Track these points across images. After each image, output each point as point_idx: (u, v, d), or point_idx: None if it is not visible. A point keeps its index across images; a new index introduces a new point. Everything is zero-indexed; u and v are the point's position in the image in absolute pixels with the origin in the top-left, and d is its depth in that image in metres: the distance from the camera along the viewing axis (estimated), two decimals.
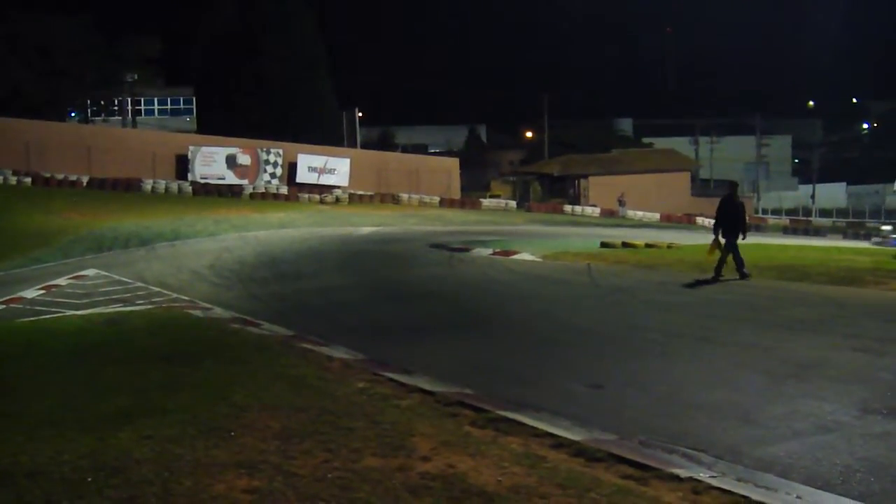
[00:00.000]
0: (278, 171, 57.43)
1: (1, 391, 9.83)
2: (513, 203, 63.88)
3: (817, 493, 6.42)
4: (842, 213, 73.43)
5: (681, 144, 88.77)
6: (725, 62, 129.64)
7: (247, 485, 6.41)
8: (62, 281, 22.10)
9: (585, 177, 70.83)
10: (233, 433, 7.73)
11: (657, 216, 60.95)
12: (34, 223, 36.51)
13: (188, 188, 54.09)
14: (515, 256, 25.08)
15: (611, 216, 60.53)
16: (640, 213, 60.92)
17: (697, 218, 61.00)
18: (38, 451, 7.22)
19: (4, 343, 13.79)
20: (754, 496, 6.16)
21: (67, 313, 16.94)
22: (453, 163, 67.91)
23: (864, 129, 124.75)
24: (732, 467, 7.00)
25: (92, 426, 7.99)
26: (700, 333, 13.02)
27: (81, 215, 39.50)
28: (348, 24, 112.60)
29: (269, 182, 57.08)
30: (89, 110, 70.96)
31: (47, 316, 16.72)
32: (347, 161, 59.32)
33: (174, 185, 53.99)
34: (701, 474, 6.66)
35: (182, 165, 55.45)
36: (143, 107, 74.63)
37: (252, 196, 54.70)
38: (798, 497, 6.32)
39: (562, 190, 71.60)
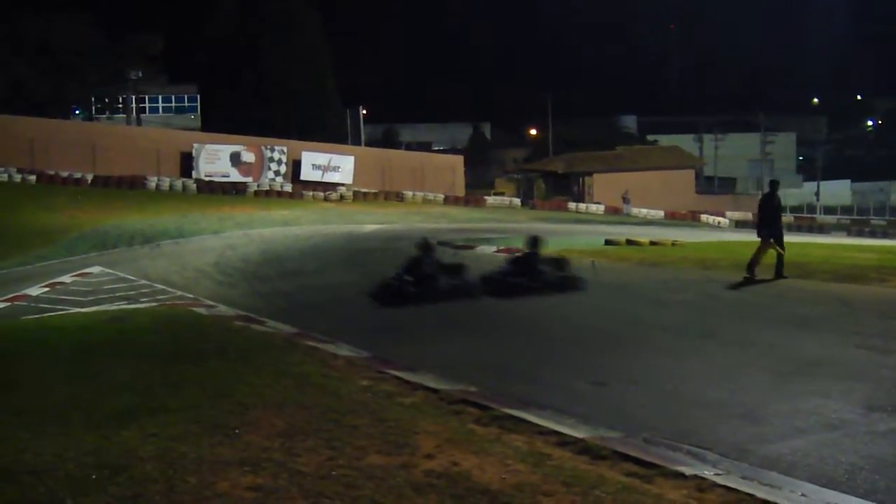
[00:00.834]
0: (282, 168, 57.45)
1: (5, 388, 9.83)
2: (517, 201, 63.84)
3: (822, 491, 6.41)
4: (846, 210, 73.28)
5: (685, 142, 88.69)
6: (729, 59, 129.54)
7: (251, 482, 6.41)
8: (66, 278, 22.12)
9: (590, 174, 70.76)
10: (237, 431, 7.73)
11: (661, 214, 60.88)
12: (39, 221, 36.56)
13: (192, 186, 54.12)
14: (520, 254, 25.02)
15: (615, 214, 60.47)
16: (644, 211, 60.85)
17: (702, 215, 60.95)
18: (43, 449, 7.22)
19: (9, 340, 13.80)
20: (759, 494, 6.15)
21: (72, 311, 16.94)
22: (457, 160, 67.90)
23: (869, 126, 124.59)
24: (737, 465, 7.00)
25: (96, 424, 7.99)
26: (704, 331, 13.00)
27: (86, 213, 39.56)
28: (352, 22, 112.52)
29: (273, 180, 57.10)
30: (93, 108, 70.99)
31: (51, 313, 16.73)
32: (351, 159, 59.34)
33: (178, 183, 54.02)
34: (706, 472, 6.66)
35: (186, 163, 55.49)
36: (147, 104, 74.64)
37: (256, 194, 54.71)
38: (803, 495, 6.31)
39: (566, 187, 71.53)
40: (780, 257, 18.08)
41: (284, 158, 57.46)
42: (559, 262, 18.33)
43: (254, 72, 66.93)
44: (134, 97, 70.58)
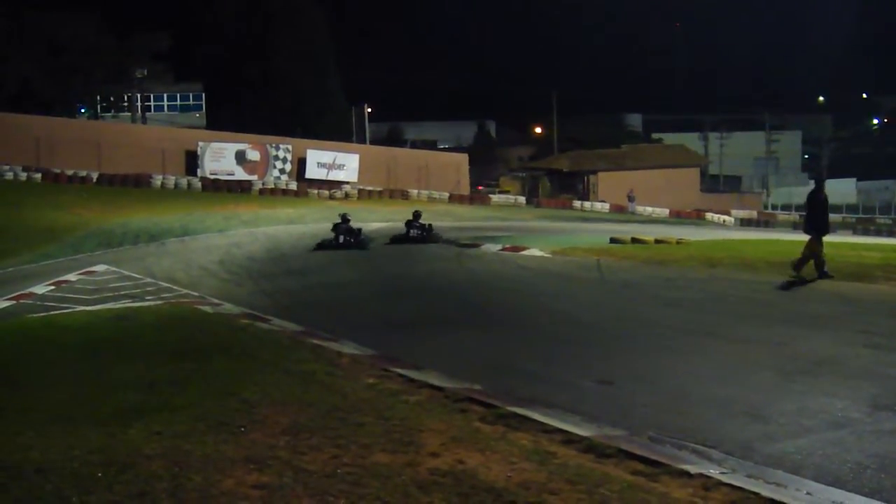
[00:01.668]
0: (287, 166, 57.46)
1: (11, 386, 9.85)
2: (522, 199, 63.80)
3: (828, 490, 6.41)
4: (852, 208, 73.13)
5: (690, 140, 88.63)
6: (735, 58, 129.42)
7: (256, 480, 6.42)
8: (72, 276, 22.15)
9: (595, 173, 70.72)
10: (242, 429, 7.74)
11: (666, 212, 60.82)
12: (44, 219, 36.61)
13: (198, 184, 54.16)
14: (525, 252, 25.04)
15: (620, 212, 60.41)
16: (649, 209, 60.78)
17: (707, 214, 60.88)
18: (49, 447, 7.24)
19: (14, 338, 13.82)
20: (764, 492, 6.15)
21: (77, 309, 16.96)
22: (462, 158, 67.84)
23: (874, 124, 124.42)
24: (742, 464, 7.00)
25: (102, 422, 8.01)
26: (710, 329, 12.99)
27: (91, 211, 39.61)
28: (357, 20, 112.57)
29: (278, 178, 57.11)
30: (99, 106, 71.00)
31: (57, 311, 16.74)
32: (356, 157, 59.32)
33: (184, 181, 54.07)
34: (711, 470, 6.66)
35: (191, 161, 55.53)
36: (152, 102, 74.64)
37: (261, 192, 54.73)
38: (808, 493, 6.31)
39: (571, 186, 71.48)
40: (815, 257, 17.74)
41: (289, 156, 57.47)
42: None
43: (259, 70, 67.00)
44: (139, 95, 70.60)
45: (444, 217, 44.41)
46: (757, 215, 64.72)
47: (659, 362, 10.88)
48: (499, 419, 8.11)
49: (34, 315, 16.39)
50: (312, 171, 57.83)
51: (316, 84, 69.18)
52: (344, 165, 58.65)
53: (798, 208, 72.96)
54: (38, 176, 49.99)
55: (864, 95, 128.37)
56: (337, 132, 64.95)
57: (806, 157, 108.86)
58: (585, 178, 71.15)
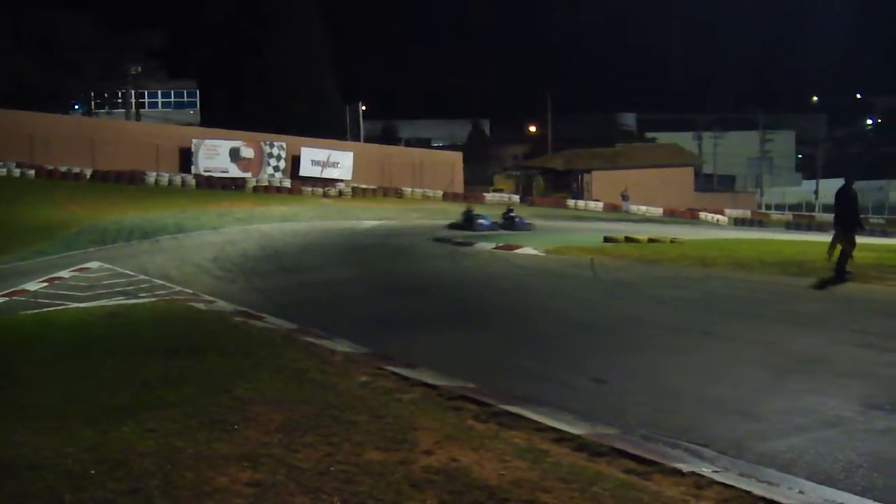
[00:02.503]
0: (281, 164, 57.42)
1: (4, 383, 9.84)
2: (516, 197, 63.81)
3: (820, 488, 6.42)
4: None
5: (684, 139, 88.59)
6: (730, 57, 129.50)
7: (249, 478, 6.42)
8: (65, 273, 22.12)
9: (589, 171, 70.74)
10: (236, 426, 7.74)
11: (660, 211, 60.88)
12: (38, 216, 36.54)
13: (191, 181, 54.11)
14: (518, 251, 25.08)
15: (614, 211, 60.48)
16: (643, 208, 60.84)
17: (701, 213, 60.95)
18: (41, 444, 7.23)
19: (7, 335, 13.81)
20: (757, 491, 6.16)
21: (70, 306, 16.95)
22: (457, 157, 67.82)
23: (869, 124, 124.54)
24: (735, 462, 7.01)
25: (95, 419, 8.00)
26: (703, 328, 13.02)
27: (85, 208, 39.54)
28: (352, 18, 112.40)
29: (272, 175, 57.07)
30: (93, 103, 70.80)
31: (50, 308, 16.72)
32: (350, 154, 59.29)
33: (178, 178, 54.01)
34: (703, 469, 6.67)
35: (185, 158, 55.47)
36: (146, 99, 74.46)
37: (255, 189, 54.69)
38: (800, 492, 6.32)
39: (565, 184, 71.52)
40: (842, 254, 17.53)
41: (283, 154, 57.43)
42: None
43: (253, 67, 66.87)
44: (133, 92, 70.48)
45: (438, 215, 44.45)
46: (751, 215, 64.77)
47: (652, 361, 10.90)
48: (492, 417, 8.12)
49: (27, 312, 16.37)
50: (306, 169, 57.80)
51: (310, 82, 69.06)
52: (338, 163, 58.62)
53: (792, 208, 73.17)
54: (32, 172, 49.89)
55: (859, 95, 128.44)
56: (331, 130, 64.84)
57: (800, 156, 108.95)
58: (579, 176, 71.18)
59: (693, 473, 6.53)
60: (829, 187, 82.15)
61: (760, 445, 7.42)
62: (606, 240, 28.43)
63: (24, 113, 52.92)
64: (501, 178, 79.21)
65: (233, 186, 54.25)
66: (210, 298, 17.65)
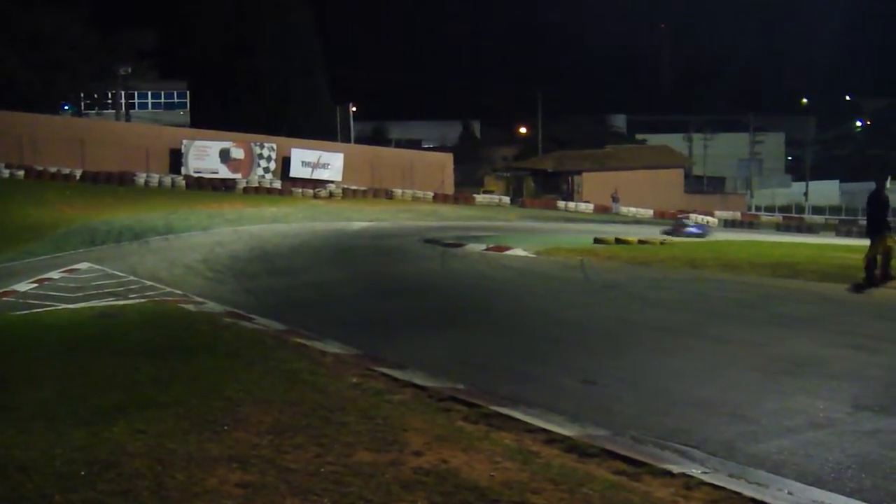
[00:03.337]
0: (272, 165, 57.40)
1: None
2: (506, 199, 63.88)
3: (809, 490, 6.44)
4: (835, 210, 73.47)
5: (674, 141, 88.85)
6: (719, 59, 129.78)
7: (239, 479, 6.41)
8: (55, 274, 22.05)
9: (579, 173, 70.87)
10: (226, 427, 7.73)
11: (650, 212, 61.02)
12: (27, 216, 36.45)
13: (181, 182, 54.05)
14: (509, 252, 25.09)
15: (604, 212, 60.60)
16: (633, 210, 60.98)
17: (691, 214, 61.07)
18: (31, 445, 7.21)
19: None
20: (746, 492, 6.18)
21: (60, 307, 16.89)
22: (447, 158, 67.90)
23: (858, 126, 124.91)
24: (724, 463, 7.02)
25: (85, 420, 7.98)
26: (693, 329, 13.04)
27: (74, 208, 39.45)
28: (343, 19, 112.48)
29: (262, 176, 57.04)
30: (83, 103, 70.65)
31: (40, 309, 16.66)
32: (341, 156, 59.30)
33: (167, 179, 53.95)
34: (693, 470, 6.68)
35: (175, 159, 55.43)
36: (136, 100, 74.30)
37: (245, 190, 54.65)
38: (790, 493, 6.34)
39: (555, 186, 71.62)
40: (885, 256, 17.35)
41: (274, 155, 57.41)
42: None
43: (244, 68, 66.89)
44: (123, 93, 70.33)
45: (428, 216, 44.49)
46: (740, 216, 64.93)
47: (642, 362, 10.91)
48: (482, 418, 8.12)
49: (16, 313, 16.31)
50: (297, 170, 57.80)
51: (301, 83, 69.12)
52: (328, 164, 58.62)
53: (781, 210, 73.36)
54: (21, 173, 49.78)
55: (848, 97, 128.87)
56: (321, 131, 64.90)
57: (789, 158, 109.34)
58: (570, 178, 71.28)
59: (683, 475, 6.54)
60: (819, 189, 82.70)
61: (750, 447, 7.44)
62: (596, 241, 28.48)
63: (14, 113, 52.79)
64: (492, 180, 79.31)
65: (223, 187, 54.21)
66: (200, 300, 17.61)
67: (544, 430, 7.75)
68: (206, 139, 56.82)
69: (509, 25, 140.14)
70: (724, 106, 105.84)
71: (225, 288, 20.07)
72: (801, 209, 75.78)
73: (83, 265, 24.03)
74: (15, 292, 19.24)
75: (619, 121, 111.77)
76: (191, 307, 16.38)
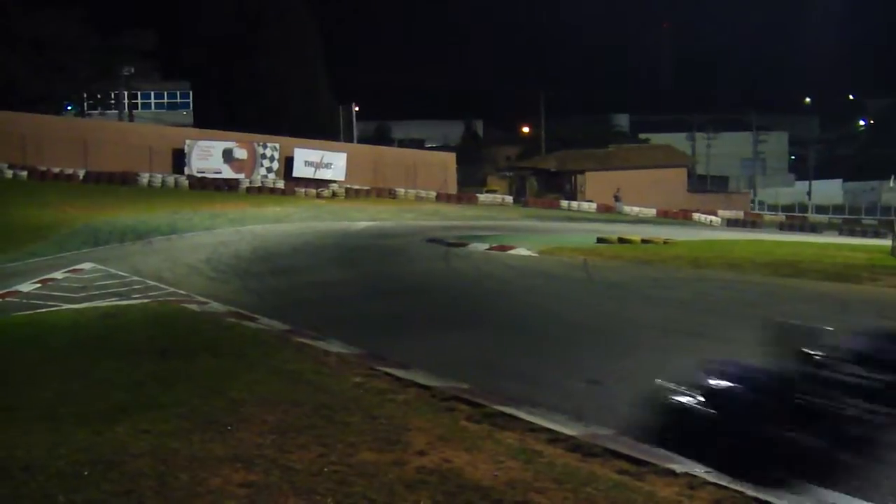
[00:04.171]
0: (275, 165, 57.35)
1: None
2: (509, 198, 63.81)
3: (813, 488, 6.44)
4: (838, 209, 73.40)
5: (677, 140, 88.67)
6: (722, 58, 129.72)
7: (243, 479, 6.42)
8: (58, 275, 22.07)
9: (582, 172, 70.76)
10: (229, 427, 7.74)
11: (653, 212, 60.93)
12: (30, 217, 36.45)
13: (185, 182, 53.99)
14: (512, 252, 25.08)
15: (607, 212, 60.50)
16: (636, 209, 60.86)
17: (694, 214, 61.00)
18: (35, 445, 7.22)
19: (0, 337, 13.78)
20: (749, 491, 6.18)
21: (63, 307, 16.91)
22: (450, 157, 67.80)
23: (861, 125, 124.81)
24: None
25: (88, 420, 7.99)
26: (696, 329, 13.04)
27: (77, 209, 39.45)
28: (345, 19, 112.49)
29: (265, 176, 56.99)
30: (86, 104, 70.63)
31: (43, 310, 16.69)
32: (344, 155, 59.23)
33: (171, 179, 53.90)
34: (696, 469, 6.68)
35: (179, 159, 55.37)
36: (139, 101, 74.28)
37: (248, 190, 54.59)
38: (794, 493, 6.34)
39: (558, 185, 71.51)
40: None
41: (277, 155, 57.36)
42: None
43: (246, 68, 66.89)
44: (126, 93, 70.32)
45: (431, 216, 44.48)
46: (744, 216, 64.80)
47: (645, 362, 10.91)
48: (485, 418, 8.12)
49: (20, 313, 16.35)
50: (300, 170, 57.72)
51: (303, 83, 69.13)
52: (331, 164, 58.56)
53: (784, 209, 73.27)
54: (24, 174, 49.75)
55: (851, 97, 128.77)
56: (324, 131, 64.82)
57: (792, 157, 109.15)
58: (573, 177, 71.19)
59: (686, 474, 6.54)
60: (822, 188, 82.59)
61: None
62: (600, 241, 28.45)
63: (17, 114, 52.78)
64: (495, 179, 79.19)
65: (226, 187, 54.15)
66: (203, 299, 17.63)
67: (548, 429, 7.75)
68: (210, 139, 56.78)
69: (512, 25, 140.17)
70: (727, 105, 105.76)
71: (228, 288, 20.08)
72: (804, 208, 75.69)
73: (86, 265, 24.04)
74: (18, 293, 19.27)
75: (622, 120, 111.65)
76: (194, 307, 16.40)
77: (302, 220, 40.49)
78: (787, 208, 74.63)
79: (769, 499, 6.08)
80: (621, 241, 28.15)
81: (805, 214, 71.01)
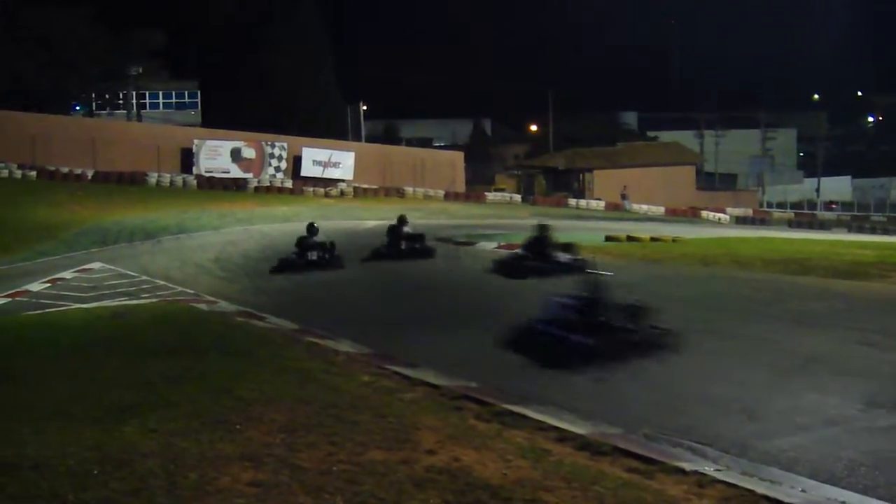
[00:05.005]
0: (283, 164, 57.40)
1: (7, 383, 9.84)
2: (517, 197, 63.76)
3: (822, 487, 6.43)
4: (847, 206, 73.20)
5: (685, 138, 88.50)
6: (730, 55, 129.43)
7: (252, 478, 6.43)
8: (67, 274, 22.11)
9: (590, 170, 70.68)
10: (238, 426, 7.75)
11: (662, 210, 60.82)
12: (39, 216, 36.52)
13: (193, 182, 54.05)
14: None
15: (615, 210, 60.41)
16: (644, 207, 60.77)
17: (702, 212, 60.89)
18: (44, 444, 7.24)
19: (10, 336, 13.80)
20: (759, 489, 6.17)
21: (73, 307, 16.95)
22: (458, 156, 67.76)
23: (870, 122, 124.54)
24: (737, 461, 7.02)
25: (97, 419, 8.01)
26: (705, 327, 13.00)
27: (86, 208, 39.52)
28: (353, 17, 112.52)
29: (273, 176, 57.04)
30: (94, 104, 70.72)
31: (53, 309, 16.72)
32: (352, 154, 59.26)
33: (179, 179, 53.96)
34: (706, 468, 6.68)
35: (187, 159, 55.45)
36: (147, 100, 74.36)
37: (257, 190, 54.62)
38: (802, 490, 6.33)
39: (566, 183, 71.43)
40: None
41: (285, 154, 57.42)
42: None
43: (255, 68, 66.87)
44: (134, 93, 70.41)
45: (439, 215, 44.46)
46: (752, 213, 64.66)
47: (654, 360, 10.88)
48: (494, 417, 8.12)
49: (30, 313, 16.38)
50: (308, 169, 57.75)
51: (311, 82, 69.07)
52: (339, 163, 58.59)
53: (793, 206, 73.12)
54: (33, 173, 49.85)
55: (860, 93, 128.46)
56: (332, 130, 64.83)
57: (801, 154, 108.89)
58: (581, 175, 71.11)
59: (695, 472, 6.54)
60: (831, 185, 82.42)
61: (763, 444, 7.43)
62: (608, 239, 28.41)
63: (25, 114, 52.92)
64: (503, 178, 79.11)
65: (234, 187, 54.19)
66: (212, 299, 17.64)
67: (556, 427, 7.75)
68: (218, 139, 56.84)
69: (519, 23, 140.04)
70: (736, 102, 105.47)
71: (236, 287, 20.09)
72: (813, 205, 75.51)
73: (95, 265, 24.08)
74: (28, 292, 19.30)
75: (631, 118, 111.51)
76: (203, 306, 16.41)
77: (310, 219, 40.47)
78: (796, 205, 74.43)
79: (779, 497, 6.07)
80: (630, 239, 28.10)
81: (814, 211, 70.84)
